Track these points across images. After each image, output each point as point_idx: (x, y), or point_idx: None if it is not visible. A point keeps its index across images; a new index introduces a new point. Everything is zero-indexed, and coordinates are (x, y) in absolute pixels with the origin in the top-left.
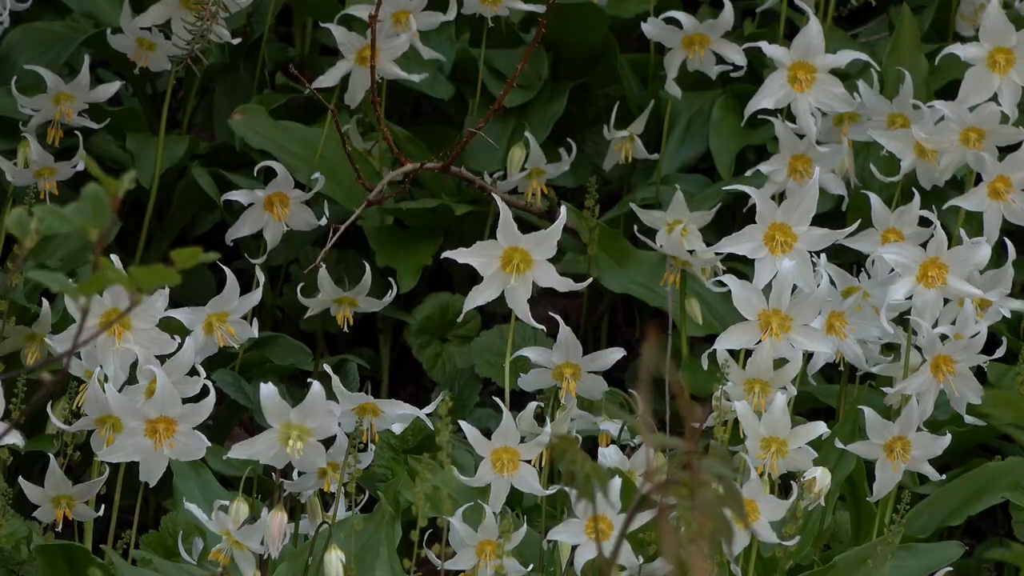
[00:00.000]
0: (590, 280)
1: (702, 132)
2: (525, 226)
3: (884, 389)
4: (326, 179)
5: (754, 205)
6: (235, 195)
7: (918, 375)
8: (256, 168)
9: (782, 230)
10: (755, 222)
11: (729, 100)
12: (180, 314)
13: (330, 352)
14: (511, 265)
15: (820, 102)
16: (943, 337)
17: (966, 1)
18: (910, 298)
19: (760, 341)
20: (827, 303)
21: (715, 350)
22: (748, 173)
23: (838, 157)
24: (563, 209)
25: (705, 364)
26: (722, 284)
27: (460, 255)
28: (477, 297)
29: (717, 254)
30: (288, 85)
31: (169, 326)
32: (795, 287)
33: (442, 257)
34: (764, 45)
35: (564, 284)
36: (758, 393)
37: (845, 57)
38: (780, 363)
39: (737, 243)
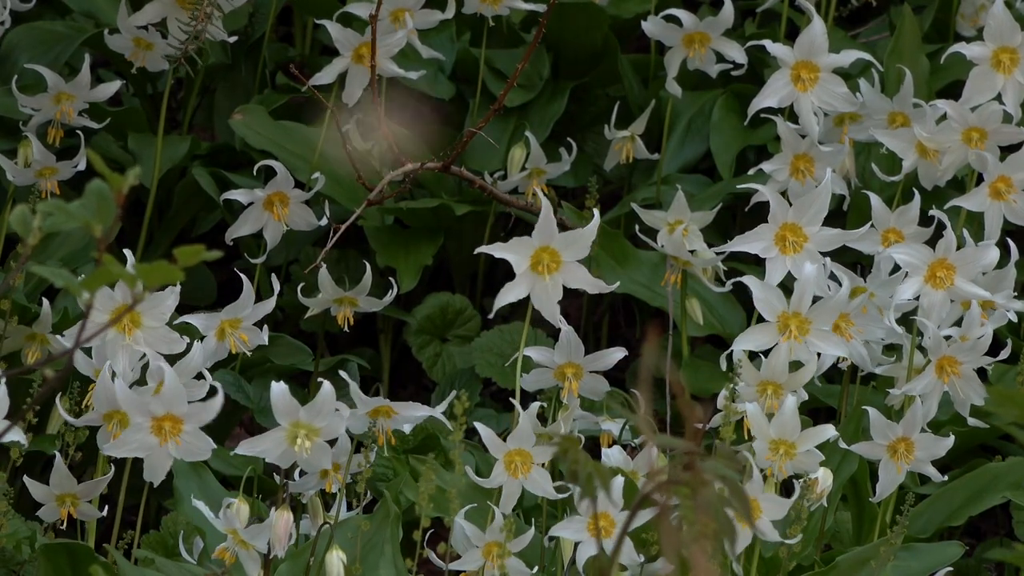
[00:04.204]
0: (618, 284)
1: (703, 132)
2: (526, 226)
3: (890, 391)
4: (326, 179)
5: (756, 205)
6: (235, 194)
7: (923, 376)
8: (256, 167)
9: (793, 230)
10: (765, 221)
11: (730, 100)
12: (195, 320)
13: (330, 352)
14: (541, 264)
15: (823, 101)
16: (947, 338)
17: (967, 1)
18: (916, 298)
19: (778, 343)
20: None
21: (732, 351)
22: (750, 172)
23: (840, 157)
24: (595, 213)
25: (724, 365)
26: (721, 284)
27: (496, 250)
28: (508, 295)
29: (719, 254)
30: (289, 85)
31: (176, 329)
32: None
33: (476, 252)
34: (768, 43)
35: (595, 285)
36: (770, 395)
37: (848, 57)
38: (794, 366)
39: (748, 242)
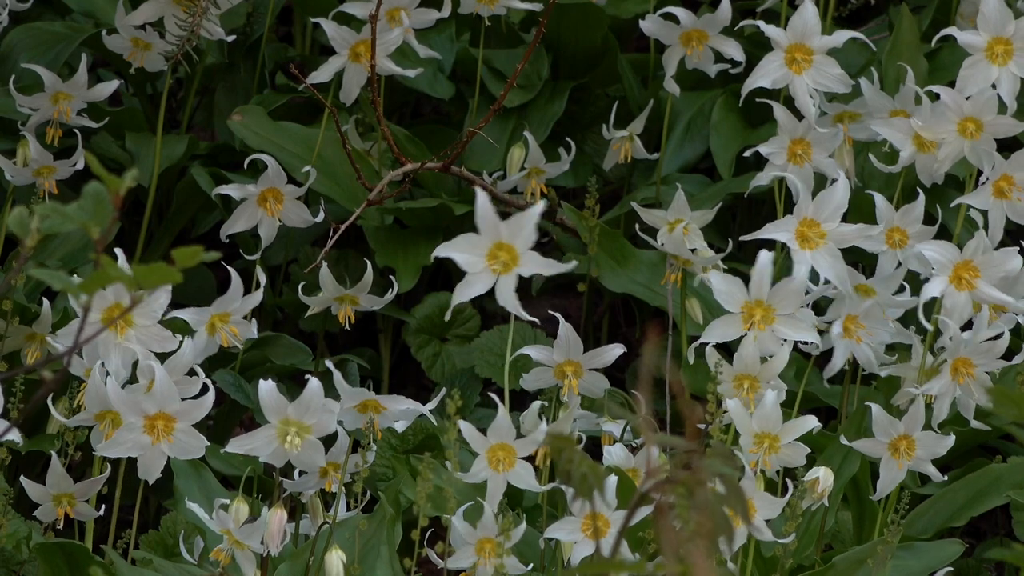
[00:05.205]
0: (575, 264)
1: (702, 132)
2: None
3: (911, 390)
4: (325, 179)
5: (756, 201)
6: (227, 189)
7: (940, 377)
8: (247, 160)
9: (811, 225)
10: (764, 218)
11: (729, 100)
12: (185, 314)
13: (330, 352)
14: (497, 262)
15: (818, 83)
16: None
17: (966, 1)
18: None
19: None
20: (846, 304)
21: (704, 344)
22: (747, 154)
23: (837, 140)
24: (542, 203)
25: (691, 358)
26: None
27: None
28: (466, 292)
29: (719, 251)
30: (288, 85)
31: (170, 325)
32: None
33: (432, 256)
34: (762, 24)
35: (549, 267)
36: (747, 389)
37: (841, 37)
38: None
39: (777, 231)
